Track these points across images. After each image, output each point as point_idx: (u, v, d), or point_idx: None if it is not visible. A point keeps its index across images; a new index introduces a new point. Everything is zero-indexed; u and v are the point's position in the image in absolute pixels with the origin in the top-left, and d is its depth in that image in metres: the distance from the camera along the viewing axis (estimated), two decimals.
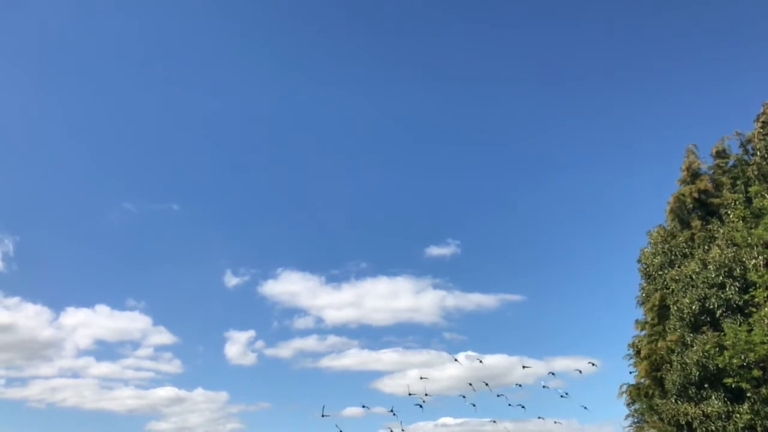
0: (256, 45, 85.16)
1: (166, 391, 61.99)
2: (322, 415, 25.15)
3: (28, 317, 63.71)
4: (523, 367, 28.26)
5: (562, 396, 28.33)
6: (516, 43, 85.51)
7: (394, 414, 26.54)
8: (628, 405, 34.29)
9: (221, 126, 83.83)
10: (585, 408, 28.16)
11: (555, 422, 28.02)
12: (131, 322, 65.40)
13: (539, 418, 26.27)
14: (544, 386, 27.66)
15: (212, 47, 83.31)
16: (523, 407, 27.30)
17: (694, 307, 28.38)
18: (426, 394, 26.25)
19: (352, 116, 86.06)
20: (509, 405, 26.48)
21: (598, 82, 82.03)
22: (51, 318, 64.41)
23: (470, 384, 25.55)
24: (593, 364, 27.72)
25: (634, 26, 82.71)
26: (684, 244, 31.37)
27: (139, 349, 64.40)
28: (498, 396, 25.72)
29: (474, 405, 25.65)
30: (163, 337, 65.13)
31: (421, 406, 26.17)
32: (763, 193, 27.77)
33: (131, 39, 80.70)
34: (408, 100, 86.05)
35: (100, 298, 72.20)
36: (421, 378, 26.66)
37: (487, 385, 25.06)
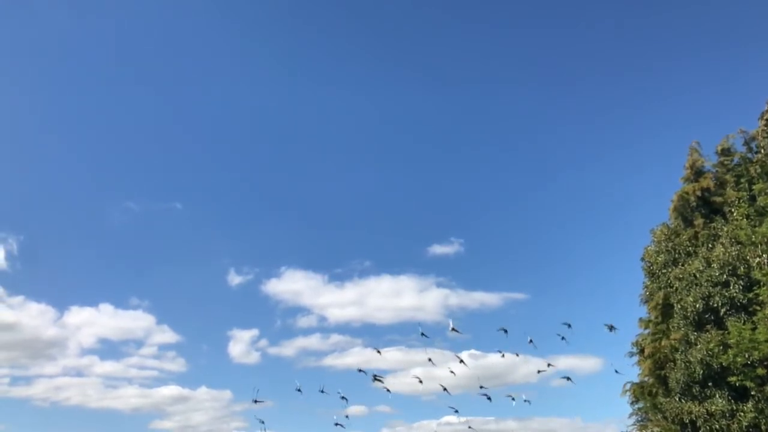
0: (259, 45, 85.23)
1: (170, 390, 62.16)
2: (254, 401, 25.01)
3: (32, 316, 63.95)
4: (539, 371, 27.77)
5: (540, 371, 28.18)
6: (518, 43, 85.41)
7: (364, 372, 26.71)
8: (631, 403, 34.27)
9: (224, 125, 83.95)
10: (568, 379, 27.74)
11: (525, 400, 27.74)
12: (135, 321, 65.59)
13: (525, 401, 26.01)
14: (530, 341, 27.25)
15: (215, 47, 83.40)
16: (528, 402, 27.10)
17: (698, 306, 28.32)
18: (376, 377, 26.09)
19: (355, 115, 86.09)
20: (512, 399, 26.03)
21: (601, 81, 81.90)
22: (55, 317, 64.66)
23: (480, 385, 25.16)
24: (568, 326, 27.56)
25: (636, 25, 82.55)
26: (688, 242, 31.31)
27: (142, 347, 64.61)
28: (488, 399, 25.48)
29: (445, 389, 25.34)
30: (167, 336, 65.32)
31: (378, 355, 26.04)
32: (767, 191, 27.72)
33: (133, 38, 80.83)
34: (411, 99, 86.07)
35: (104, 297, 72.52)
36: (379, 352, 26.50)
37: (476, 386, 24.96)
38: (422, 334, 26.16)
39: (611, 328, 30.67)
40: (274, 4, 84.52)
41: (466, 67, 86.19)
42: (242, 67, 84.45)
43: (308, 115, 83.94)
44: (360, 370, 25.28)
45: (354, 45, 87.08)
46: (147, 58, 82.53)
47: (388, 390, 26.36)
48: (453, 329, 26.89)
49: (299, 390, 25.26)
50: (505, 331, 25.60)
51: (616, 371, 26.81)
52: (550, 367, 28.87)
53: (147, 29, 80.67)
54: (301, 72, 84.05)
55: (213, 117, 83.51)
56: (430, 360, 24.56)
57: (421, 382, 25.33)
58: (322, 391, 25.02)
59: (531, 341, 27.27)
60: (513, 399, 26.10)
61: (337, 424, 23.71)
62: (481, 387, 25.36)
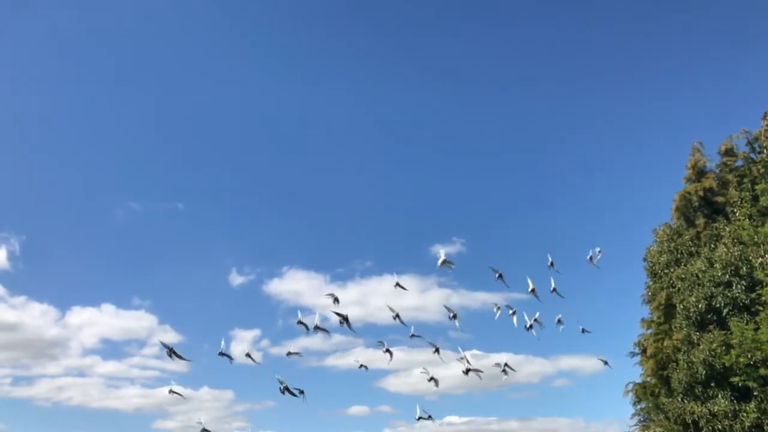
0: (261, 45, 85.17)
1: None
2: (220, 353, 20.73)
3: (34, 316, 63.85)
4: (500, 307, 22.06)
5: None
6: (519, 44, 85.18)
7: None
8: (633, 404, 34.27)
9: (226, 125, 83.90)
10: (562, 320, 22.99)
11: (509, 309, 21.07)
12: (137, 321, 65.39)
13: (503, 364, 21.43)
14: (532, 290, 22.07)
15: (217, 47, 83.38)
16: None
17: (700, 306, 28.29)
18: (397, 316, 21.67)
19: (357, 116, 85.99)
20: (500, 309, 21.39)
21: (603, 81, 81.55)
22: (57, 317, 64.56)
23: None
24: (550, 266, 22.78)
25: (640, 25, 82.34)
26: (690, 242, 31.29)
27: (144, 347, 64.49)
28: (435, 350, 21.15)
29: (454, 319, 21.20)
30: (169, 335, 65.03)
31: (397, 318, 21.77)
32: None
33: (134, 38, 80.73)
34: (413, 99, 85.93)
35: (106, 297, 72.13)
36: (337, 299, 20.95)
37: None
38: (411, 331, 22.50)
39: (593, 258, 25.56)
40: (275, 4, 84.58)
41: (469, 68, 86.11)
42: (244, 68, 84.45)
43: (310, 116, 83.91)
44: (301, 322, 21.00)
45: (356, 45, 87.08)
46: (148, 58, 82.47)
47: (361, 365, 23.19)
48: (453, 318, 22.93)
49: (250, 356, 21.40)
50: (500, 275, 21.77)
51: (606, 363, 24.56)
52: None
53: (148, 29, 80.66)
54: (303, 72, 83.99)
55: (214, 117, 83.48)
56: (436, 350, 21.50)
57: (387, 350, 21.76)
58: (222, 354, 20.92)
59: (533, 290, 23.11)
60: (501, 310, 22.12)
61: (283, 387, 19.91)
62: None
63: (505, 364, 21.62)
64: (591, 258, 25.32)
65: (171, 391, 22.05)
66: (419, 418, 21.01)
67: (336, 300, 21.13)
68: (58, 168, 77.83)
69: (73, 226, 75.40)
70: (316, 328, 20.87)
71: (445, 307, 22.13)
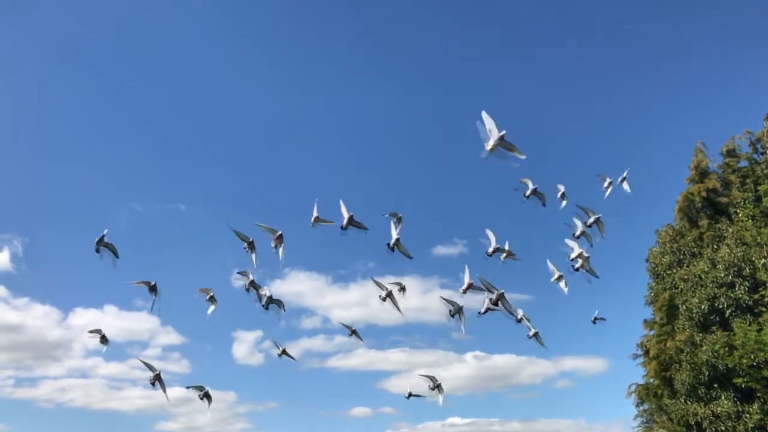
0: (262, 45, 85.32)
1: (175, 391, 61.70)
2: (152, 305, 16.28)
3: (37, 318, 64.07)
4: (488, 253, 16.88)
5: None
6: (521, 45, 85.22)
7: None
8: (636, 405, 34.21)
9: (227, 126, 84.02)
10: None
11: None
12: (139, 322, 65.42)
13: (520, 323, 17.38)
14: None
15: (219, 48, 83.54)
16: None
17: (703, 307, 28.25)
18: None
19: (358, 115, 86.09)
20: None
21: (605, 81, 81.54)
22: (59, 318, 64.73)
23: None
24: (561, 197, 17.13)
25: (641, 25, 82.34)
26: (693, 243, 31.23)
27: (147, 349, 64.51)
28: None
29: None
30: (171, 337, 65.16)
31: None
32: None
33: (136, 37, 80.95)
34: (415, 100, 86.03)
35: (108, 298, 72.07)
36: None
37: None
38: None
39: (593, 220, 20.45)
40: (276, 4, 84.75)
41: (470, 69, 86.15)
42: (246, 68, 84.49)
43: (312, 116, 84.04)
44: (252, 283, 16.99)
45: (359, 46, 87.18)
46: (149, 58, 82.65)
47: (352, 331, 20.52)
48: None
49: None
50: (535, 191, 16.69)
51: (594, 321, 22.41)
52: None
53: (149, 29, 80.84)
54: (305, 72, 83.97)
55: (216, 118, 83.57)
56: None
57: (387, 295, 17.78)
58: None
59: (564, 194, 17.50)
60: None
61: (266, 301, 17.61)
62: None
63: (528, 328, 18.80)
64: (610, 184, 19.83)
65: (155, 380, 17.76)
66: (411, 395, 19.86)
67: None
68: (60, 169, 77.92)
69: (76, 228, 75.55)
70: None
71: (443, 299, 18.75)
